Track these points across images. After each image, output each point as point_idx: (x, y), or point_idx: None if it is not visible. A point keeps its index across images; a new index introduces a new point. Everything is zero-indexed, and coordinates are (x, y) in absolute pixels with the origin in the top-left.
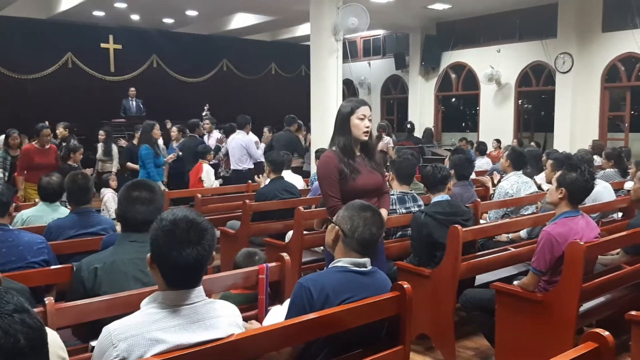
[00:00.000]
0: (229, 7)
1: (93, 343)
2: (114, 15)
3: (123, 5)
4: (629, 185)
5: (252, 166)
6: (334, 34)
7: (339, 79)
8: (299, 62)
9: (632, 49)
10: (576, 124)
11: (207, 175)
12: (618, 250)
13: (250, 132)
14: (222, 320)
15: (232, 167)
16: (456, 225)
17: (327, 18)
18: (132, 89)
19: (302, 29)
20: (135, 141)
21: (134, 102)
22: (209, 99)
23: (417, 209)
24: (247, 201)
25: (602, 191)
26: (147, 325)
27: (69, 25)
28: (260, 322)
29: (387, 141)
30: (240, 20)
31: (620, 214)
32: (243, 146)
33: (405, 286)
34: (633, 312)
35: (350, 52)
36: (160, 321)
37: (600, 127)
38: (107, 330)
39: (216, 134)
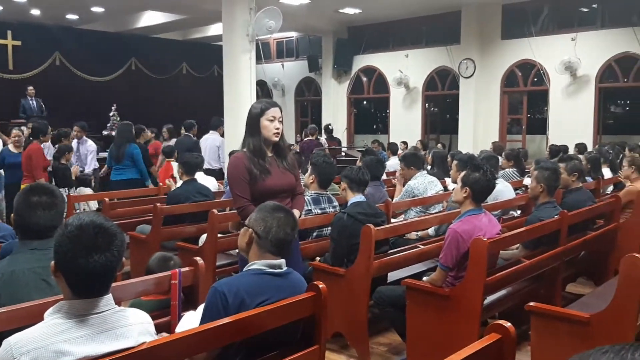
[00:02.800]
0: (137, 5)
1: None
2: (12, 9)
3: None
4: (527, 181)
5: (222, 166)
6: (247, 34)
7: (252, 80)
8: (211, 62)
9: (528, 56)
10: (478, 126)
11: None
12: (517, 245)
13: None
14: (133, 328)
15: (204, 165)
16: (369, 225)
17: (239, 18)
18: (31, 87)
19: (215, 29)
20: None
21: (34, 102)
22: (117, 99)
23: (332, 209)
24: (158, 204)
25: (504, 190)
26: (52, 336)
27: None
28: (173, 329)
29: (322, 142)
30: (150, 18)
31: (519, 211)
32: (217, 146)
33: (320, 286)
34: (532, 303)
35: (263, 54)
36: (66, 332)
37: (500, 129)
38: (7, 343)
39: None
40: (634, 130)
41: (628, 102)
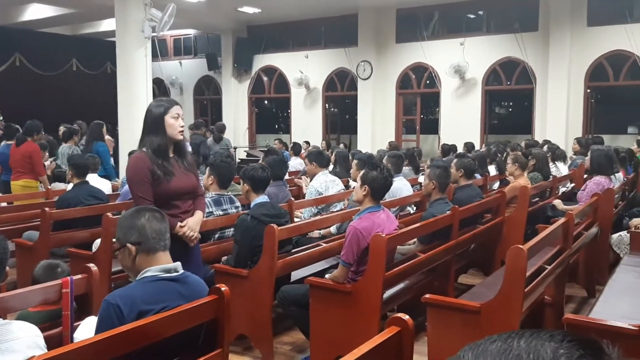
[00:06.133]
0: None
1: None
2: None
3: None
4: (422, 179)
5: None
6: (141, 30)
7: (148, 77)
8: (103, 59)
9: (421, 59)
10: (376, 126)
11: None
12: (414, 240)
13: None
14: (21, 342)
15: None
16: (272, 225)
17: (133, 14)
18: None
19: (107, 24)
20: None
21: None
22: (0, 97)
23: (234, 210)
24: (46, 209)
25: (402, 187)
26: None
27: None
28: (66, 341)
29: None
30: (36, 11)
31: (414, 208)
32: None
33: (223, 289)
34: (427, 295)
35: (160, 51)
36: None
37: (396, 129)
38: None
39: None
40: (516, 130)
41: (511, 103)
